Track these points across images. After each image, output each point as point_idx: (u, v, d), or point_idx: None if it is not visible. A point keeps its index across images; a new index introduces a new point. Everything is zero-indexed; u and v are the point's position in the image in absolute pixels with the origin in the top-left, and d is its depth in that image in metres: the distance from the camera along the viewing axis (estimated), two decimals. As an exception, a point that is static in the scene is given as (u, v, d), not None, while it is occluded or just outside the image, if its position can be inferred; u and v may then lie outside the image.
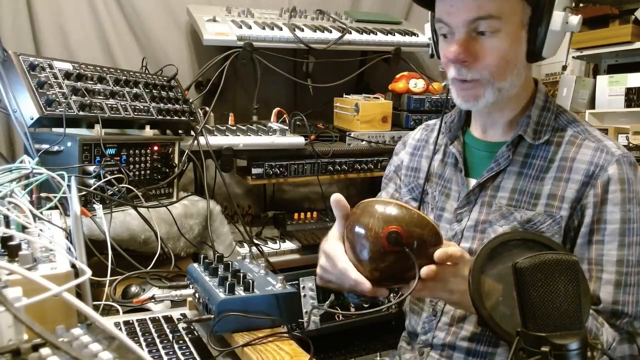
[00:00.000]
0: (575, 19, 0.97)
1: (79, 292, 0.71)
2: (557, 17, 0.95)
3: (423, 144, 1.25)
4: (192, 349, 0.84)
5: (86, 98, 1.33)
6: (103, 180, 1.22)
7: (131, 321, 0.95)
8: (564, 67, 2.76)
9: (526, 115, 1.04)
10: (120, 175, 1.29)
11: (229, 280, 0.87)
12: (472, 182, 1.10)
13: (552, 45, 0.98)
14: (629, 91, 2.52)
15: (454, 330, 1.07)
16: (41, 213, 1.00)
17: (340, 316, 1.78)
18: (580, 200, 0.97)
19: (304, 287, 1.75)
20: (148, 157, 1.46)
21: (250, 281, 0.87)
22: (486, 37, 0.95)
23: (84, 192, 1.21)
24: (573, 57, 2.72)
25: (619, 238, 0.95)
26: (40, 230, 0.86)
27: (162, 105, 1.55)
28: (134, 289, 1.14)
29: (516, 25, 0.96)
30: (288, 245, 1.88)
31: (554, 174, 1.00)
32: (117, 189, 1.25)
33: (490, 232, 1.04)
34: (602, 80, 2.65)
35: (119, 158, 1.37)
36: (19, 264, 0.67)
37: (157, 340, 0.87)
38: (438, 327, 1.10)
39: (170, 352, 0.83)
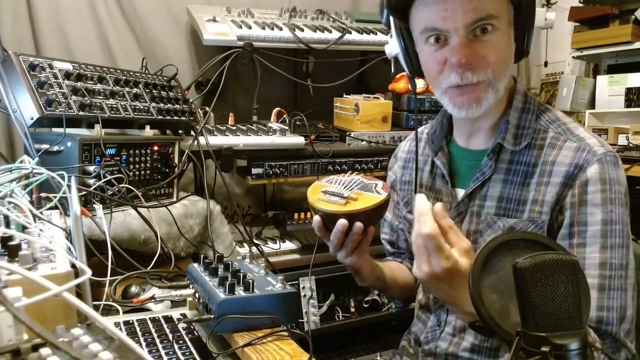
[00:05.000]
0: (552, 15, 0.99)
1: (79, 292, 0.71)
2: (540, 14, 0.96)
3: (412, 156, 1.22)
4: (192, 349, 0.84)
5: (86, 98, 1.33)
6: (103, 180, 1.22)
7: (131, 321, 0.95)
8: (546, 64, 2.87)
9: (505, 120, 1.01)
10: (120, 175, 1.29)
11: (229, 280, 0.87)
12: (461, 192, 1.08)
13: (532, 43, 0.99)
14: (629, 91, 2.52)
15: (456, 340, 1.07)
16: (41, 213, 1.00)
17: (340, 316, 1.79)
18: (559, 202, 0.95)
19: (304, 287, 1.75)
20: (148, 157, 1.46)
21: (250, 281, 0.87)
22: (487, 35, 0.93)
23: (84, 192, 1.21)
24: (573, 57, 2.72)
25: (600, 240, 0.92)
26: (40, 230, 0.86)
27: (162, 105, 1.55)
28: (134, 289, 1.14)
29: (507, 24, 0.95)
30: (288, 245, 1.87)
31: (537, 179, 0.98)
32: (117, 189, 1.25)
33: (481, 242, 1.02)
34: (602, 80, 2.66)
35: (119, 158, 1.37)
36: (19, 264, 0.67)
37: (157, 340, 0.87)
38: (441, 337, 1.09)
39: (170, 352, 0.83)
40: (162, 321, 0.96)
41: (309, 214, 2.01)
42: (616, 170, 0.96)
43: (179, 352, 0.83)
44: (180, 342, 0.87)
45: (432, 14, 0.94)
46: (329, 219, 1.00)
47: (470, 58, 0.93)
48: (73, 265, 0.69)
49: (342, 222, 0.97)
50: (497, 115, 1.04)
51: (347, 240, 1.01)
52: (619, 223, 0.93)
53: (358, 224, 0.97)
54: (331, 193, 1.02)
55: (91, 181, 1.22)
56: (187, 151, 1.60)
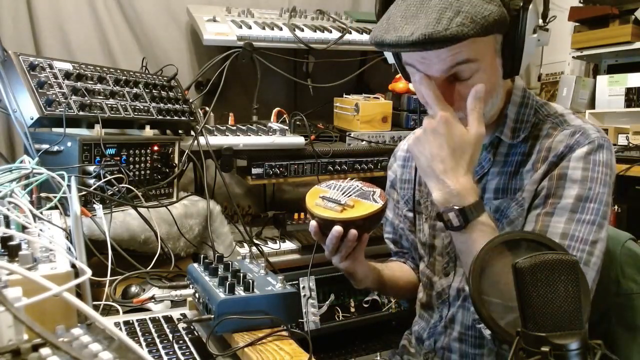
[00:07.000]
0: (547, 35, 0.94)
1: (79, 292, 0.71)
2: (531, 41, 0.90)
3: (411, 154, 1.22)
4: (192, 349, 0.84)
5: (86, 98, 1.33)
6: (103, 180, 1.22)
7: (131, 321, 0.95)
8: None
9: (503, 115, 1.02)
10: (120, 175, 1.29)
11: (229, 280, 0.87)
12: None
13: (526, 61, 0.93)
14: (629, 91, 2.52)
15: (448, 331, 1.09)
16: (41, 213, 1.00)
17: (340, 316, 1.79)
18: (544, 179, 0.95)
19: (304, 287, 1.75)
20: (148, 157, 1.46)
21: (250, 281, 0.87)
22: (466, 79, 0.91)
23: (84, 192, 1.21)
24: (573, 57, 2.72)
25: (569, 213, 0.91)
26: (40, 230, 0.86)
27: (162, 105, 1.55)
28: (134, 289, 1.14)
29: (491, 57, 0.92)
30: (288, 245, 1.87)
31: (531, 166, 0.98)
32: (117, 189, 1.25)
33: None
34: (602, 80, 2.66)
35: (119, 158, 1.37)
36: (19, 264, 0.67)
37: (157, 340, 0.87)
38: (439, 332, 1.11)
39: (170, 352, 0.83)
40: (162, 321, 0.96)
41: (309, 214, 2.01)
42: (606, 154, 0.94)
43: (179, 352, 0.83)
44: (180, 342, 0.87)
45: (412, 54, 0.91)
46: (325, 225, 1.02)
47: (451, 100, 0.92)
48: (73, 265, 0.69)
49: (337, 229, 0.99)
50: (495, 113, 1.03)
51: (342, 246, 1.02)
52: (595, 202, 0.91)
53: (352, 231, 0.99)
54: (328, 199, 1.04)
55: (91, 181, 1.22)
56: (187, 151, 1.60)
